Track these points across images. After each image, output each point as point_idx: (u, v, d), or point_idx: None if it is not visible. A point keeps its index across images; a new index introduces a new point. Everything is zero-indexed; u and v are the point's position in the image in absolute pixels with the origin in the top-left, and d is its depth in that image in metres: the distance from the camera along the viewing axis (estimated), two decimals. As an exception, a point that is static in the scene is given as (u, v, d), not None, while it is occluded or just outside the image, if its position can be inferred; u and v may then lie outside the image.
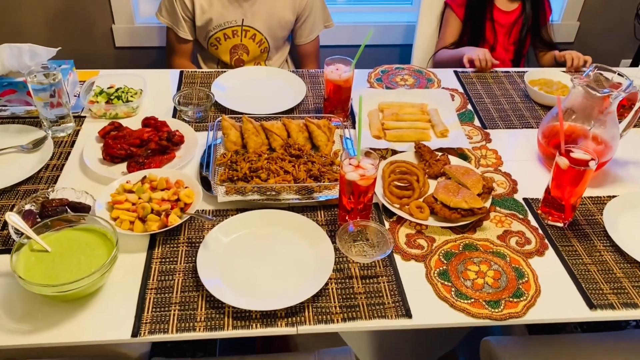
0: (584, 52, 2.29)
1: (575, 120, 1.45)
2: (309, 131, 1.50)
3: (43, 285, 1.01)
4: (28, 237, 1.09)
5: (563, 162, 1.24)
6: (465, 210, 1.28)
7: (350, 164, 1.22)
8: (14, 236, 1.17)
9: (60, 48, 1.57)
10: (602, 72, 1.41)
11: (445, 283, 1.16)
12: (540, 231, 1.31)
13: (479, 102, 1.78)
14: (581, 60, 1.97)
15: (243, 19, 2.01)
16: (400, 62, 3.03)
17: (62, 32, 2.63)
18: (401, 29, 2.86)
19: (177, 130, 1.50)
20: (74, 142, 1.51)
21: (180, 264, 1.17)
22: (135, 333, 1.04)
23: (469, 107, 1.76)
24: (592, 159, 1.24)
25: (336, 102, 1.61)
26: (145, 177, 1.33)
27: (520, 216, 1.35)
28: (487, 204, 1.34)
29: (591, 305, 1.13)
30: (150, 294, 1.11)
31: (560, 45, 2.36)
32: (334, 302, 1.11)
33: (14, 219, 1.10)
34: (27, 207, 1.24)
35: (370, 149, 1.51)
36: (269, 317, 1.07)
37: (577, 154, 1.26)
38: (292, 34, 2.18)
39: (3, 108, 1.58)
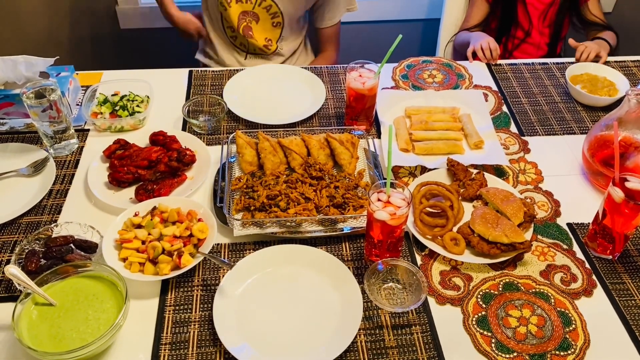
0: (622, 24, 2.08)
1: (629, 131, 1.31)
2: (330, 147, 1.37)
3: (48, 353, 0.93)
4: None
5: (617, 194, 1.10)
6: (506, 245, 1.16)
7: (379, 200, 1.10)
8: (16, 284, 1.09)
9: (58, 57, 1.44)
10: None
11: (485, 333, 1.06)
12: (587, 265, 1.19)
13: (515, 103, 1.63)
14: None
15: None
16: (423, 39, 2.86)
17: (63, 16, 2.47)
18: (424, 2, 2.65)
19: (188, 149, 1.38)
20: (77, 161, 1.40)
21: (196, 312, 1.08)
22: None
23: (504, 108, 1.61)
24: (652, 191, 1.11)
25: (359, 110, 1.47)
26: (155, 207, 1.22)
27: (565, 246, 1.23)
28: (529, 234, 1.22)
29: (646, 359, 1.02)
30: (165, 350, 1.03)
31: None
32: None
33: (14, 272, 1.01)
34: (30, 247, 1.15)
35: (399, 166, 1.39)
36: (293, 378, 0.99)
37: (634, 183, 1.12)
38: (312, 16, 2.00)
39: (1, 122, 1.47)
